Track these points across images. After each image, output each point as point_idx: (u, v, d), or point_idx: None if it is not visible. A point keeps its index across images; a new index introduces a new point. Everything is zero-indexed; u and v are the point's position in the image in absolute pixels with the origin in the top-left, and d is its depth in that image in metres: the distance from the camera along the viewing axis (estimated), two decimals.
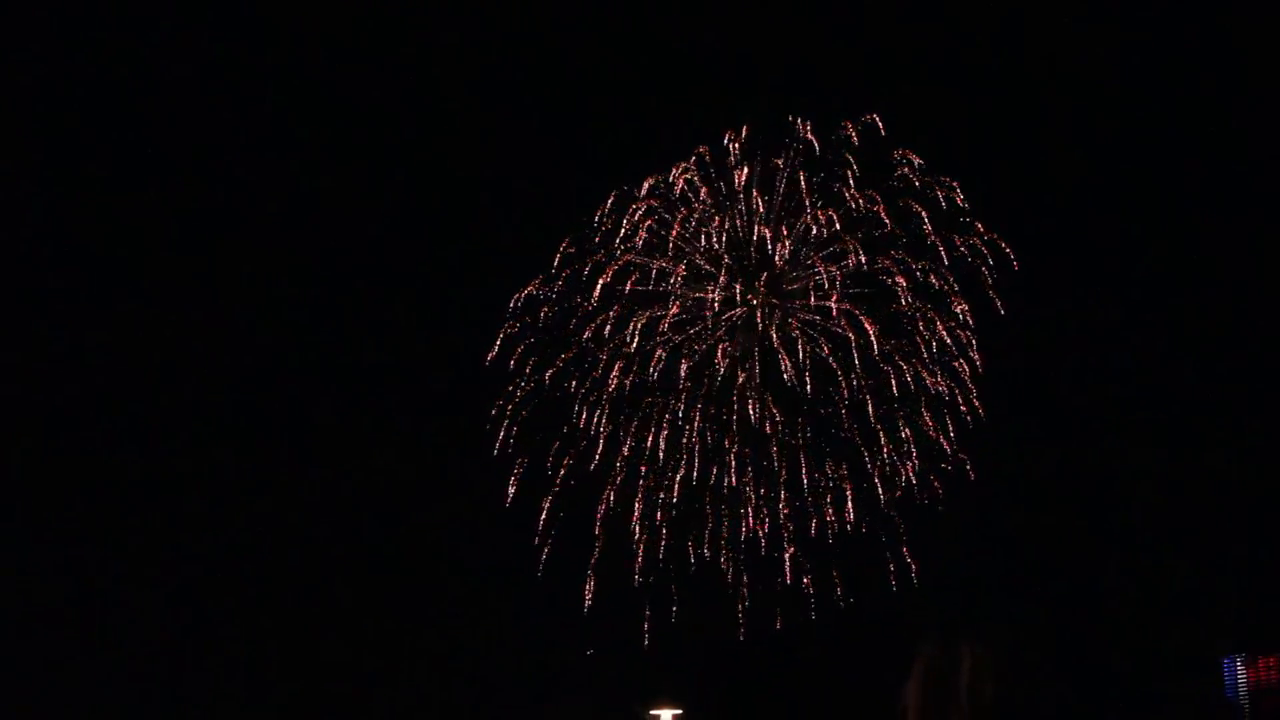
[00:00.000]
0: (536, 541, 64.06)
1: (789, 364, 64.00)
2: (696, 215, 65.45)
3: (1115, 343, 64.90)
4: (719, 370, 64.20)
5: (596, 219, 65.19)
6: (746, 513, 63.91)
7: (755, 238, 65.02)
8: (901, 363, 62.77)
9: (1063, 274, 65.02)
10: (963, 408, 61.93)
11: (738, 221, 65.54)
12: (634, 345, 64.28)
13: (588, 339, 64.40)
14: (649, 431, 64.30)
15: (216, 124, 68.34)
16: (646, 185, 65.80)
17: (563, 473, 63.74)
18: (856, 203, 63.95)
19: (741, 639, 64.83)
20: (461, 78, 70.64)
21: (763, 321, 64.31)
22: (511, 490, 64.53)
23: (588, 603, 64.40)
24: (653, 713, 61.80)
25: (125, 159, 66.91)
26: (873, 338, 63.10)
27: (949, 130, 64.67)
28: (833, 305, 63.61)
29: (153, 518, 64.89)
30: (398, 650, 66.04)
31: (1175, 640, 60.37)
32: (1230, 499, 61.38)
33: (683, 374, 64.13)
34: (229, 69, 67.74)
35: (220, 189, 68.31)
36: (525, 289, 64.61)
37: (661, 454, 63.96)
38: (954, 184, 62.81)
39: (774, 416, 63.90)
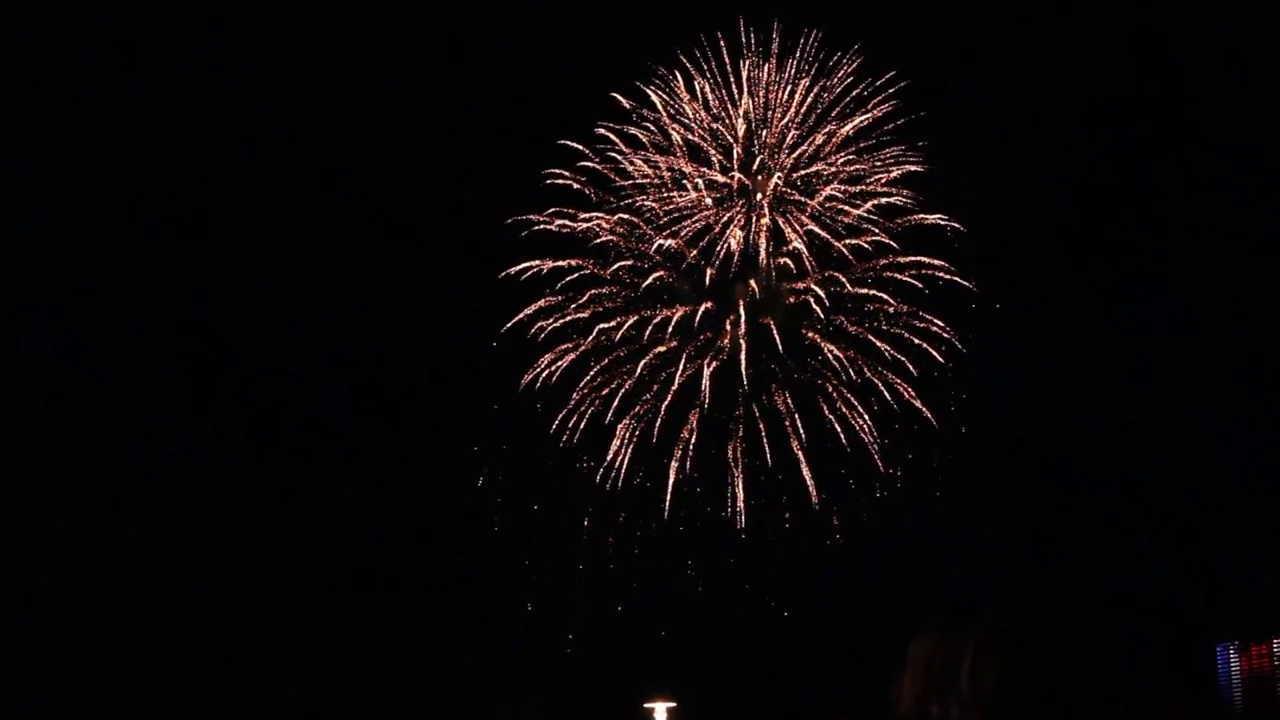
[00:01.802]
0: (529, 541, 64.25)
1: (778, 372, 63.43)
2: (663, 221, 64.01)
3: (1109, 336, 65.03)
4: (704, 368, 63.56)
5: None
6: (738, 517, 63.55)
7: (738, 249, 63.75)
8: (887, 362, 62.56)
9: (1054, 266, 65.12)
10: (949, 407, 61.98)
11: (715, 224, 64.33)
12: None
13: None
14: (631, 441, 63.58)
15: (209, 121, 68.03)
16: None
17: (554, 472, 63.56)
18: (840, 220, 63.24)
19: (737, 632, 64.92)
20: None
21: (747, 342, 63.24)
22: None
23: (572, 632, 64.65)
24: (647, 706, 61.79)
25: (118, 159, 66.70)
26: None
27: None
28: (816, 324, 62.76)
29: (151, 523, 64.89)
30: (392, 649, 66.14)
31: (1167, 628, 60.55)
32: (1223, 485, 61.62)
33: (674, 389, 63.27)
34: (221, 68, 67.42)
35: (215, 190, 68.07)
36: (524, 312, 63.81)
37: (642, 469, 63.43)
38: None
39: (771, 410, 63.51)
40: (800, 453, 62.27)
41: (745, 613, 65.24)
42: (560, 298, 63.23)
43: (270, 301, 67.62)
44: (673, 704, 61.67)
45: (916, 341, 62.05)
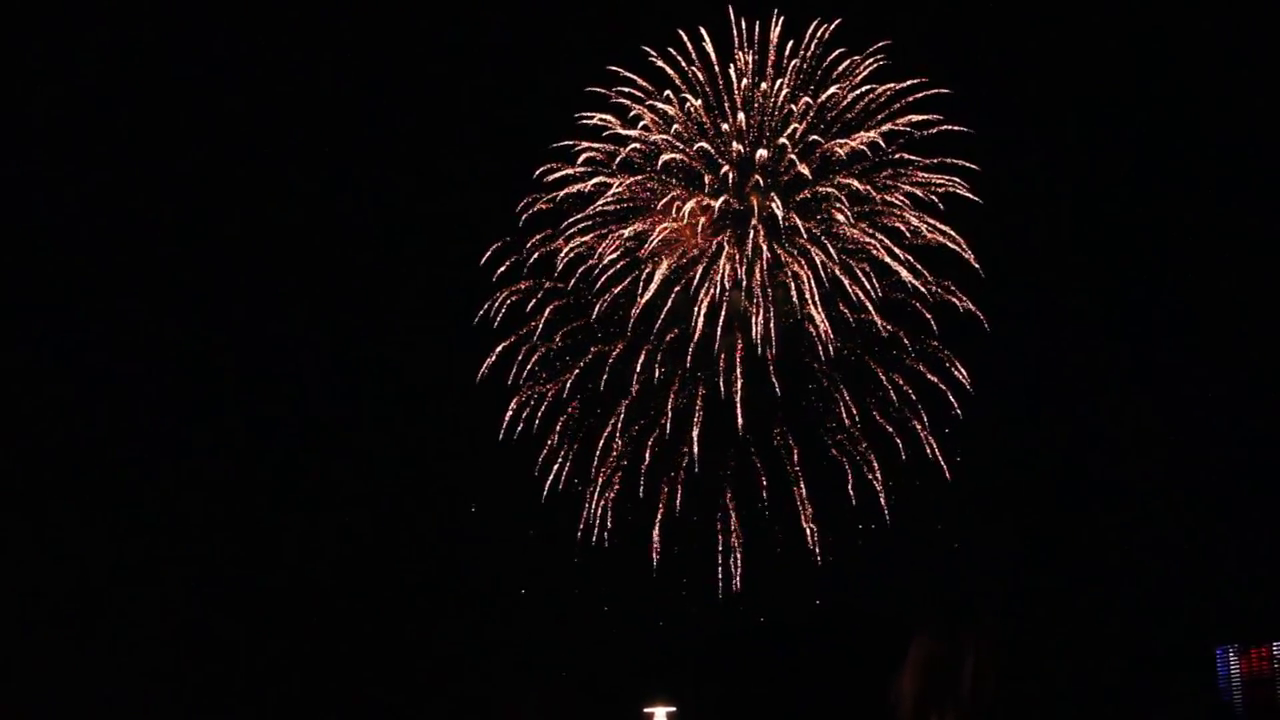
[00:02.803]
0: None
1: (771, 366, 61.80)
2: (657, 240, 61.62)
3: (1107, 339, 64.94)
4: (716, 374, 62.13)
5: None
6: (729, 520, 62.57)
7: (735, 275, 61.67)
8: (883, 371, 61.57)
9: (1050, 268, 64.90)
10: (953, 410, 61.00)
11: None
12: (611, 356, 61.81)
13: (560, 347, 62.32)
14: (625, 449, 62.24)
15: (192, 120, 67.93)
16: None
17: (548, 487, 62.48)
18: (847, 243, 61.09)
19: (736, 635, 64.66)
20: None
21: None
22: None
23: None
24: (647, 710, 61.67)
25: (115, 164, 66.68)
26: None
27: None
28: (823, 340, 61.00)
29: (156, 525, 64.98)
30: (392, 659, 66.17)
31: (1168, 630, 60.50)
32: (1222, 489, 61.55)
33: (672, 400, 61.77)
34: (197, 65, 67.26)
35: (202, 189, 67.99)
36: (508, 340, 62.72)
37: (645, 471, 62.09)
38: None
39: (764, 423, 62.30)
40: (795, 474, 60.93)
41: (742, 621, 64.57)
42: (544, 320, 61.83)
43: (270, 310, 67.72)
44: (672, 708, 61.56)
45: (909, 361, 60.67)
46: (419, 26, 67.50)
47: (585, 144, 61.83)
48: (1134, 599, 61.02)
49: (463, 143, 66.70)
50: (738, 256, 60.63)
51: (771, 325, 60.13)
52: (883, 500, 60.06)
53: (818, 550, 60.41)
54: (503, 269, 61.96)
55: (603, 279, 61.13)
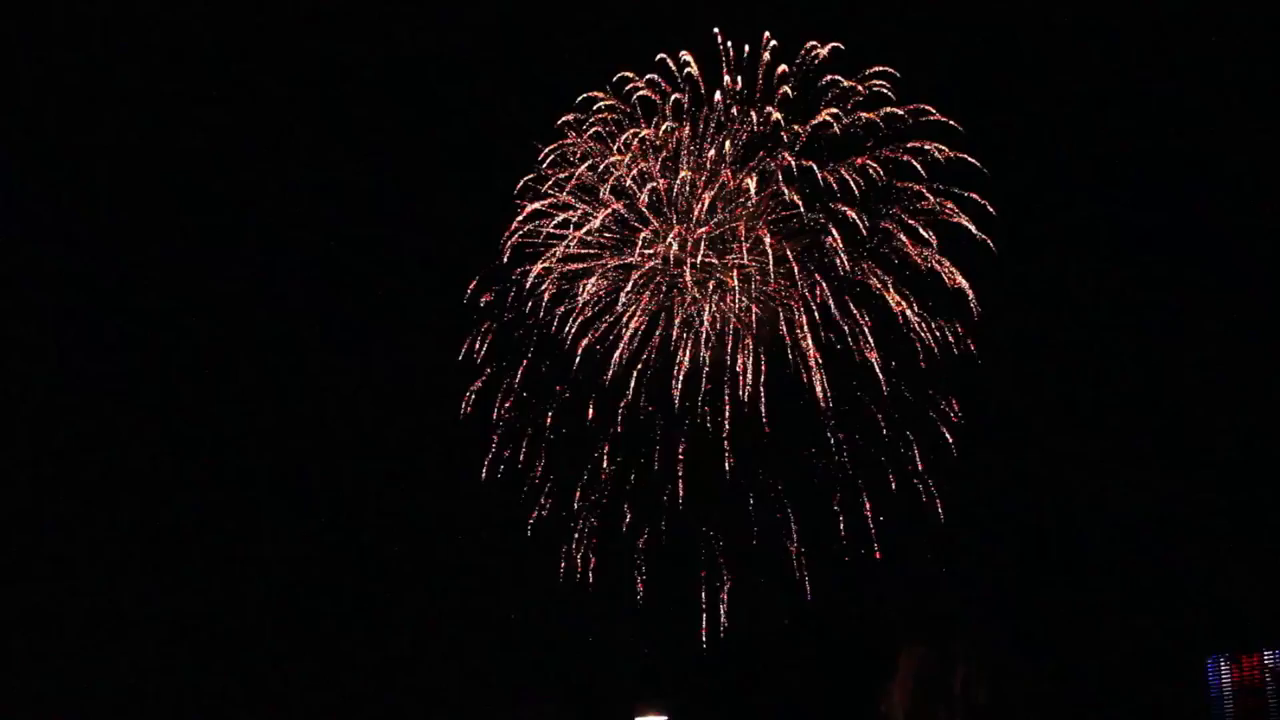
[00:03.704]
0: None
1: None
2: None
3: (1101, 350, 65.15)
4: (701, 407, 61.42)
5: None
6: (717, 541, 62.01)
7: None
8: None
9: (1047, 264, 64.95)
10: (943, 433, 60.52)
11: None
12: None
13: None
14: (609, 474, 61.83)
15: (179, 116, 68.23)
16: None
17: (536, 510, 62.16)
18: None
19: (727, 642, 64.55)
20: None
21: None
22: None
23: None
24: (639, 719, 61.69)
25: (95, 155, 66.99)
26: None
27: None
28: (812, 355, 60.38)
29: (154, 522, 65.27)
30: (387, 656, 66.41)
31: (1159, 639, 60.58)
32: (1214, 501, 61.74)
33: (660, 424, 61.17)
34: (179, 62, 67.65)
35: (191, 185, 68.30)
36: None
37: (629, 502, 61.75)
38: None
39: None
40: (783, 502, 60.24)
41: (729, 647, 64.05)
42: (529, 353, 61.39)
43: (267, 321, 68.18)
44: (663, 716, 61.53)
45: (894, 389, 60.06)
46: (411, 44, 67.82)
47: (568, 173, 60.55)
48: (1125, 608, 61.12)
49: (445, 173, 66.96)
50: (725, 285, 60.00)
51: (761, 355, 59.69)
52: (871, 527, 59.04)
53: (805, 577, 59.38)
54: (487, 298, 61.30)
55: (587, 312, 60.30)
